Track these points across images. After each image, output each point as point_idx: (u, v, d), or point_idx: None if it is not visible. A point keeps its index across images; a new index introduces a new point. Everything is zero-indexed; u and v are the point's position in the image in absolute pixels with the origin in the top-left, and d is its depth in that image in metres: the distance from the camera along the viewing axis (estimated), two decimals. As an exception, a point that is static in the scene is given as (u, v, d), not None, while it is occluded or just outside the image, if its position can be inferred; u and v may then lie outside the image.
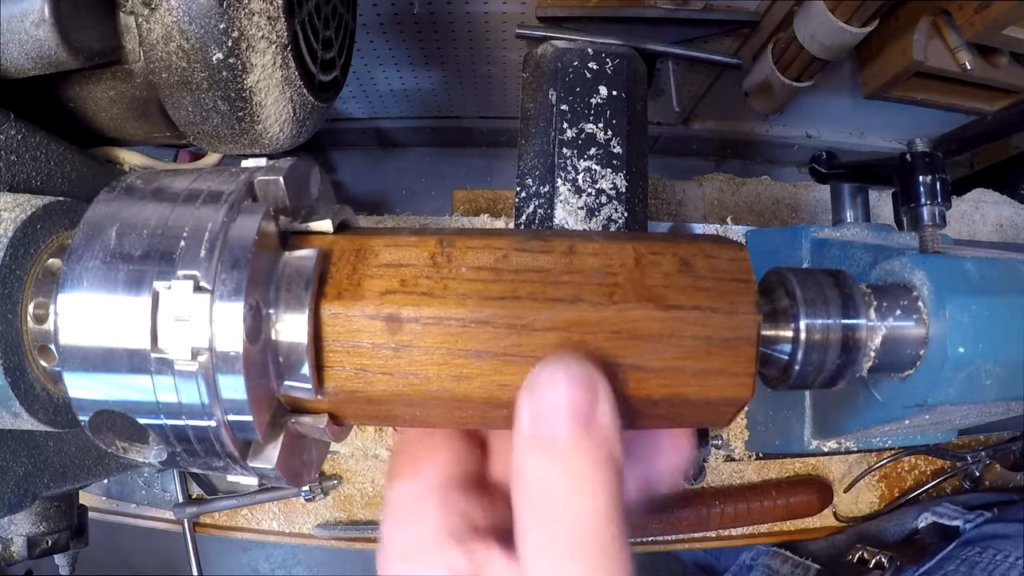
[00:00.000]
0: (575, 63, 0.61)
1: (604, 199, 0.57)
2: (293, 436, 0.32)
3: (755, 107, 1.25)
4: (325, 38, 0.52)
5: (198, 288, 0.27)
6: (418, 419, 0.33)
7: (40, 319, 0.35)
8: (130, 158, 0.53)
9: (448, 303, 0.30)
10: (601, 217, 0.56)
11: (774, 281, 0.38)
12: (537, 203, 0.57)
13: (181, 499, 0.83)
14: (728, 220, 0.93)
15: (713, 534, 0.85)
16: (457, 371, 0.30)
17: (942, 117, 1.30)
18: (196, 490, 0.83)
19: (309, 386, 0.29)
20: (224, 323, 0.27)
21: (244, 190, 0.30)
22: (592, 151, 0.58)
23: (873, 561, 0.73)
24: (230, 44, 0.42)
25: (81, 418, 0.30)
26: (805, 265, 0.65)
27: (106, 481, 0.83)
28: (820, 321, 0.36)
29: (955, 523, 0.72)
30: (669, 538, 0.84)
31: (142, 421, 0.29)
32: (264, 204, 0.30)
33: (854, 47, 1.03)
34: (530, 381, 0.23)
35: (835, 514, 0.88)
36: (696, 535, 0.84)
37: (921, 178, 0.51)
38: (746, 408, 0.77)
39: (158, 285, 0.28)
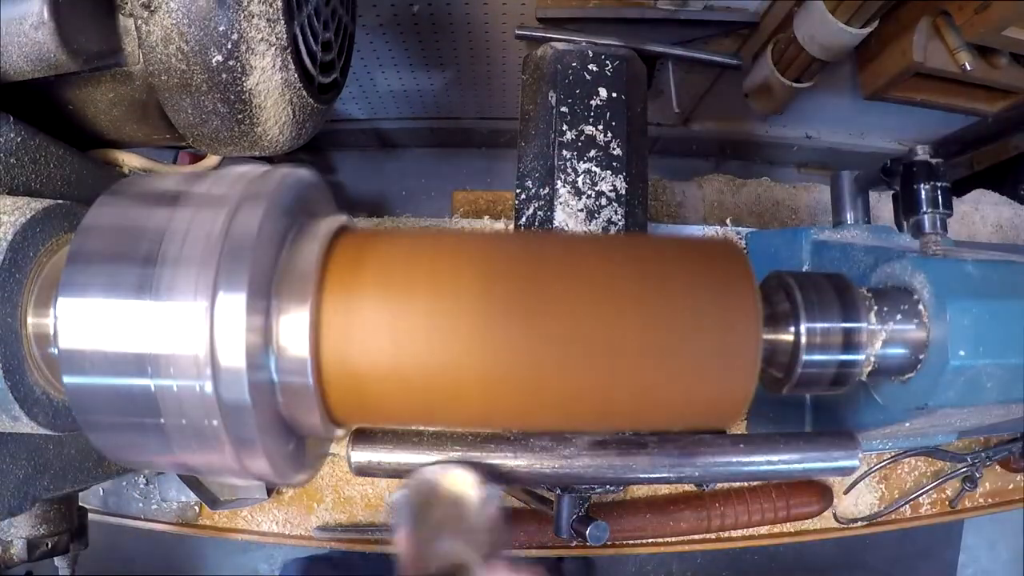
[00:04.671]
0: (575, 65, 0.61)
1: (604, 201, 0.56)
2: (292, 434, 0.32)
3: (755, 108, 1.24)
4: (324, 40, 0.52)
5: (200, 285, 0.27)
6: (416, 418, 0.33)
7: (40, 322, 0.35)
8: (129, 160, 0.53)
9: (446, 298, 0.30)
10: (601, 219, 0.56)
11: (774, 284, 0.38)
12: (537, 205, 0.57)
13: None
14: (728, 222, 0.93)
15: (713, 536, 0.85)
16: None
17: (942, 118, 1.29)
18: (194, 498, 0.83)
19: (310, 382, 0.29)
20: (226, 319, 0.27)
21: (245, 192, 0.30)
22: (592, 153, 0.58)
23: None
24: (229, 47, 0.41)
25: (80, 421, 0.30)
26: (805, 267, 0.65)
27: (102, 492, 0.83)
28: (820, 325, 0.36)
29: None
30: (669, 540, 0.84)
31: (142, 421, 0.29)
32: (265, 204, 0.30)
33: (854, 48, 1.02)
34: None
35: (835, 516, 0.88)
36: (696, 537, 0.84)
37: (922, 187, 0.51)
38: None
39: (160, 282, 0.28)
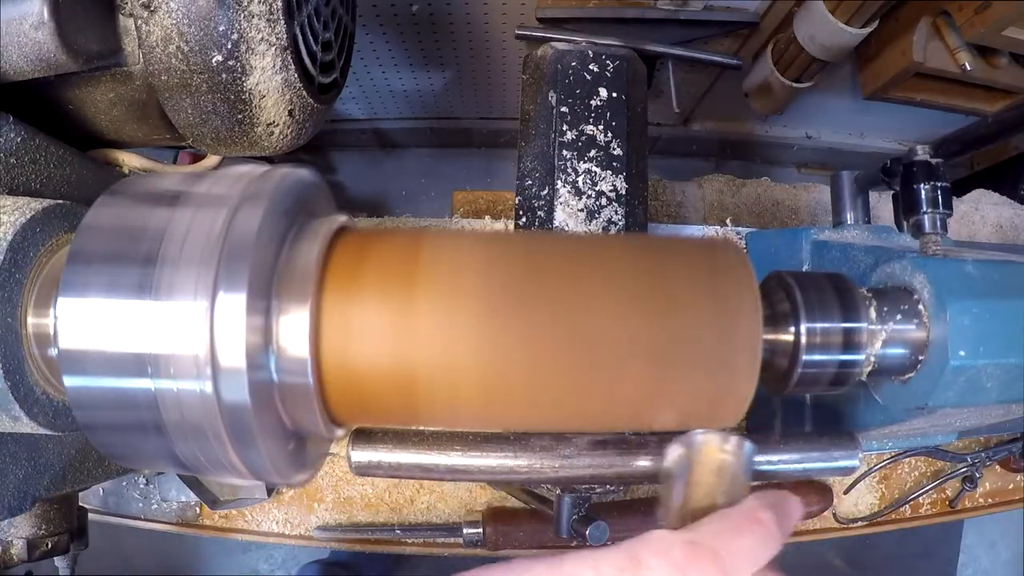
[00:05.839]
0: (575, 65, 0.61)
1: (604, 201, 0.57)
2: (292, 434, 0.32)
3: (755, 108, 1.25)
4: (324, 40, 0.52)
5: (200, 285, 0.27)
6: (416, 418, 0.33)
7: (40, 322, 0.35)
8: (129, 160, 0.53)
9: (446, 298, 0.30)
10: (601, 219, 0.56)
11: (774, 284, 0.38)
12: (537, 205, 0.57)
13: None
14: (728, 222, 0.93)
15: (713, 535, 0.85)
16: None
17: (942, 118, 1.30)
18: (194, 498, 0.83)
19: (310, 382, 0.29)
20: (226, 319, 0.27)
21: (245, 192, 0.30)
22: (592, 153, 0.58)
23: None
24: (229, 46, 0.41)
25: (80, 421, 0.30)
26: (805, 267, 0.65)
27: (102, 492, 0.83)
28: (820, 325, 0.36)
29: None
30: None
31: (142, 421, 0.29)
32: (265, 204, 0.30)
33: (854, 48, 1.03)
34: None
35: (835, 516, 0.88)
36: (696, 537, 0.84)
37: (922, 187, 0.51)
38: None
39: (160, 282, 0.28)
